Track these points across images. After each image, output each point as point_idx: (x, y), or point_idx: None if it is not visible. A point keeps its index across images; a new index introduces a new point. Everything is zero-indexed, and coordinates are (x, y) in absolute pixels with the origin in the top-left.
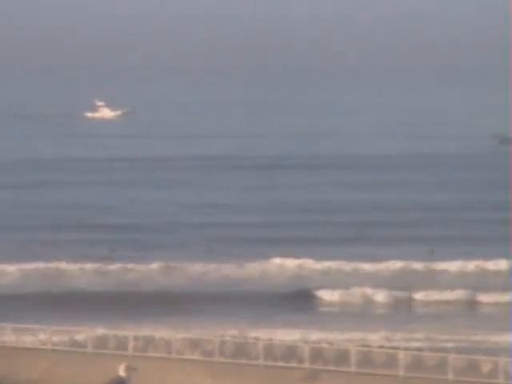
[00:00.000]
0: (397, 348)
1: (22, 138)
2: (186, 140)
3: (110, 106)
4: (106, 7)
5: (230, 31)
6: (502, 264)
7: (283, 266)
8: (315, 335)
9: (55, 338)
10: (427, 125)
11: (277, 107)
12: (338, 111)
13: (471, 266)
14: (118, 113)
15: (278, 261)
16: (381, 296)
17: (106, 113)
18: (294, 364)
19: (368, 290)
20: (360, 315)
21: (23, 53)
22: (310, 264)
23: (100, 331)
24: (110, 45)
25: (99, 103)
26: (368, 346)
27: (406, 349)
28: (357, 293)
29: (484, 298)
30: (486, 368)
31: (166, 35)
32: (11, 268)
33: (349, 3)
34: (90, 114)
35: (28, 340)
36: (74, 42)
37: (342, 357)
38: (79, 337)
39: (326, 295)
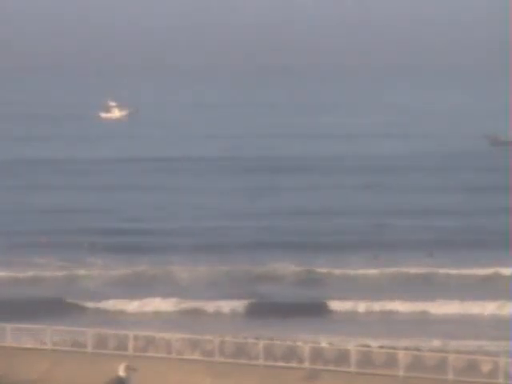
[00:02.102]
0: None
1: (61, 138)
2: (188, 141)
3: (119, 106)
4: (105, 7)
5: (231, 31)
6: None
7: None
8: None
9: (55, 338)
10: (420, 125)
11: (277, 108)
12: (338, 112)
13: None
14: (124, 113)
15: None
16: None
17: (116, 113)
18: (293, 364)
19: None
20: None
21: (22, 52)
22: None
23: (100, 331)
24: (109, 45)
25: (112, 103)
26: (368, 346)
27: (406, 349)
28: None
29: None
30: (485, 368)
31: (166, 35)
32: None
33: (349, 4)
34: (103, 115)
35: (28, 340)
36: (71, 41)
37: (342, 357)
38: (79, 337)
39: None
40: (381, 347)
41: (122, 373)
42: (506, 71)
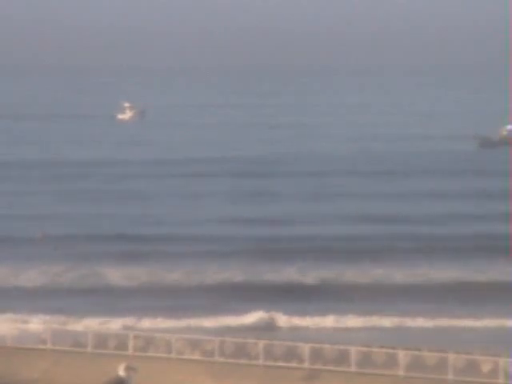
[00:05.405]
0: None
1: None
2: (194, 142)
3: (130, 107)
4: (103, 7)
5: (235, 33)
6: None
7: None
8: None
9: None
10: (412, 125)
11: (278, 108)
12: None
13: None
14: (134, 113)
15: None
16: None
17: (128, 113)
18: (294, 364)
19: None
20: None
21: (25, 53)
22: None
23: (100, 331)
24: (110, 45)
25: (126, 104)
26: (368, 346)
27: (406, 349)
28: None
29: None
30: (486, 368)
31: (167, 36)
32: None
33: (349, 4)
34: (121, 116)
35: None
36: (67, 42)
37: (341, 357)
38: (79, 337)
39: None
40: (381, 347)
41: (122, 373)
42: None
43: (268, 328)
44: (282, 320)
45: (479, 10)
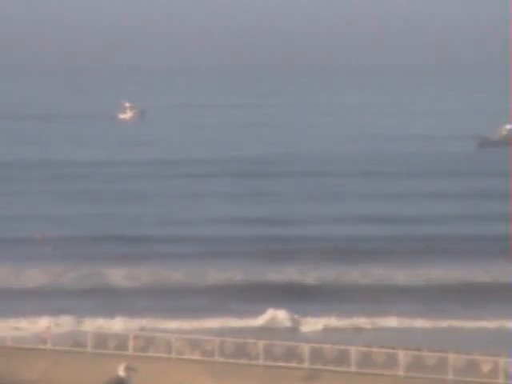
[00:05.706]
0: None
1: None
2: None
3: (130, 107)
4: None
5: (236, 33)
6: None
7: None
8: None
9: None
10: (412, 125)
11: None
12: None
13: None
14: (134, 113)
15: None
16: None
17: (129, 113)
18: (294, 364)
19: None
20: None
21: (25, 53)
22: None
23: (100, 331)
24: (110, 45)
25: (127, 104)
26: (368, 346)
27: (406, 349)
28: None
29: None
30: (486, 368)
31: (167, 36)
32: None
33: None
34: (122, 116)
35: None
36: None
37: (341, 357)
38: (79, 337)
39: None
40: (381, 347)
41: (121, 373)
42: None
43: (292, 330)
44: (292, 320)
45: (479, 10)
